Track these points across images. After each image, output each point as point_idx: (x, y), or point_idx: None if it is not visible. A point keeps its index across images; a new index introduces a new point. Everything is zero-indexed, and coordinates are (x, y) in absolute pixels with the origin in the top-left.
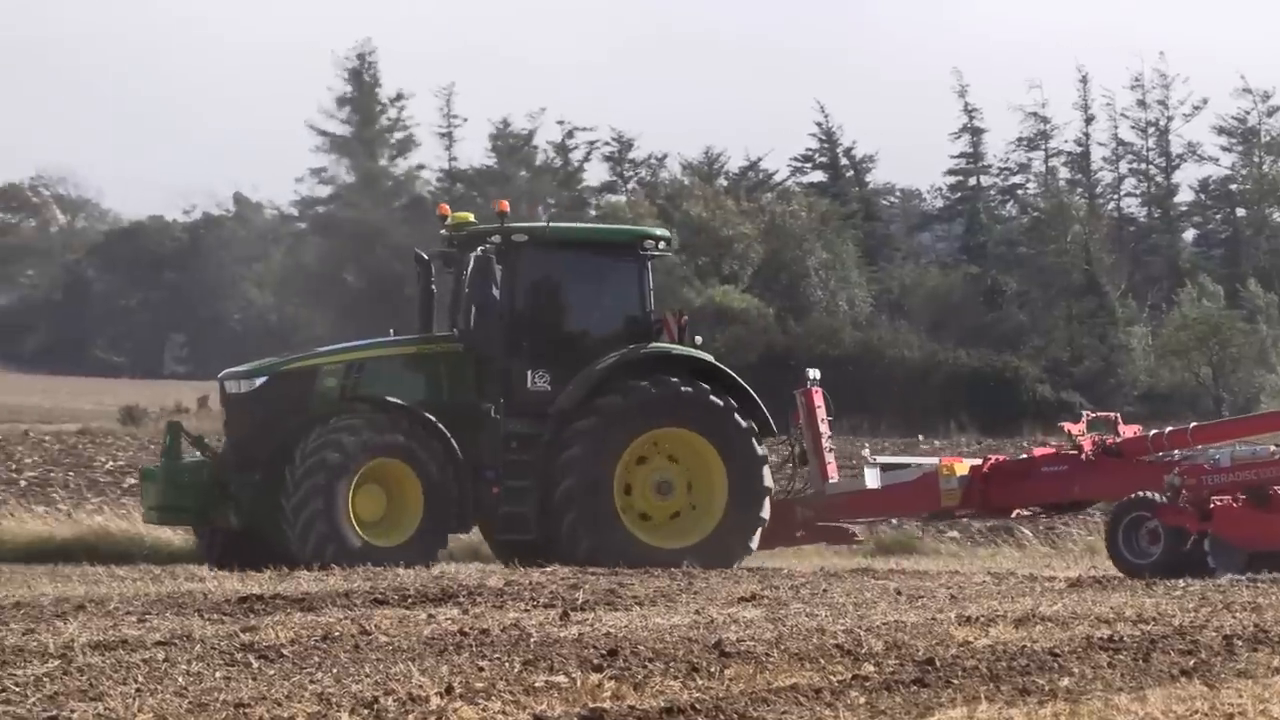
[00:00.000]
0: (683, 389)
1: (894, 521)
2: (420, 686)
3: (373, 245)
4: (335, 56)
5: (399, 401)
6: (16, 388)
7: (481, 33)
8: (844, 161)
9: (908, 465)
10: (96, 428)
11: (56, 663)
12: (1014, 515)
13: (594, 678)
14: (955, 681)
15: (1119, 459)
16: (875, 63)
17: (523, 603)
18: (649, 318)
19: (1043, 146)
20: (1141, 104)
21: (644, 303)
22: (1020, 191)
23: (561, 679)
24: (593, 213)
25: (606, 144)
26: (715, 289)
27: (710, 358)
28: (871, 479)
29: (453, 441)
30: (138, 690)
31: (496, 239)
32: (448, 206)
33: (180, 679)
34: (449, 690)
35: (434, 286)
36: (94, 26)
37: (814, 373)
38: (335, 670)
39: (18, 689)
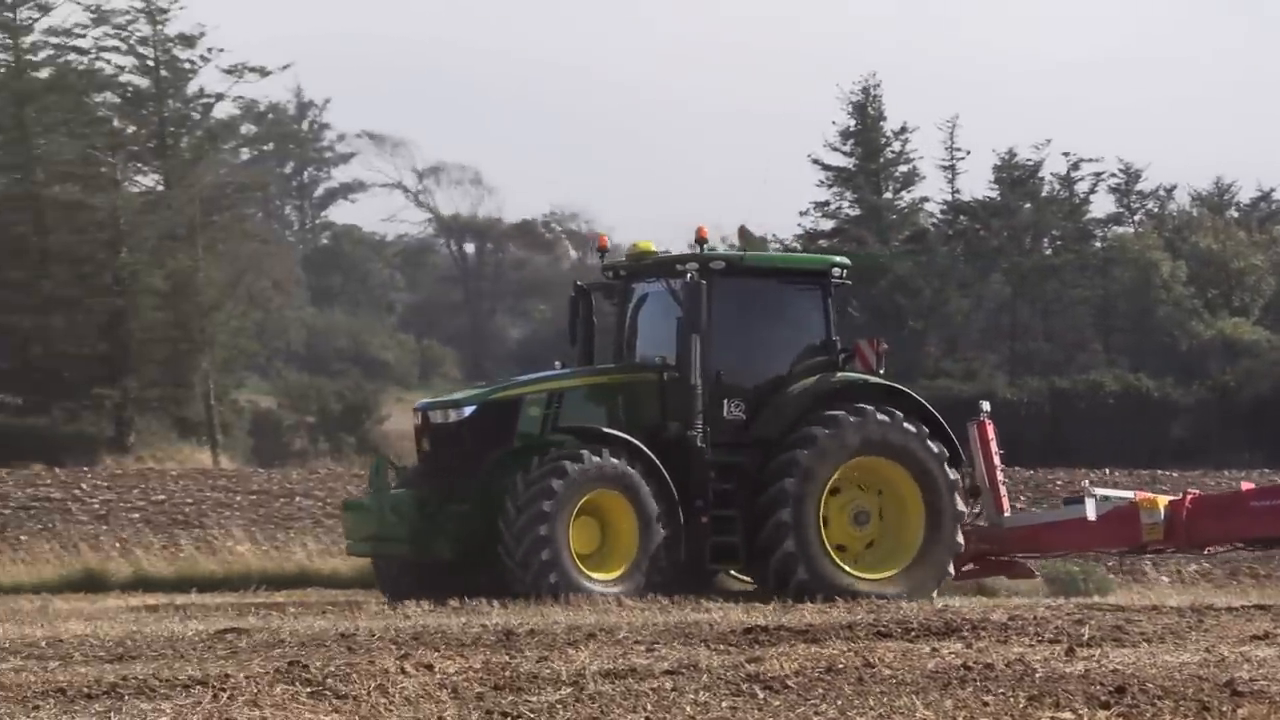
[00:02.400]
0: (879, 417)
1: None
2: None
3: (875, 278)
4: (840, 90)
5: (617, 432)
6: None
7: (986, 65)
8: None
9: (1103, 499)
10: None
11: (569, 690)
12: (1208, 551)
13: (1101, 715)
14: None
15: None
16: None
17: (1027, 638)
18: (835, 345)
19: None
20: None
21: (829, 330)
22: None
23: (1068, 715)
24: (1098, 245)
25: (1113, 175)
26: (1224, 321)
27: (900, 386)
28: (1091, 510)
29: (665, 473)
30: (646, 719)
31: (695, 266)
32: (606, 238)
33: (688, 708)
34: None
35: (595, 318)
36: (605, 72)
37: (985, 404)
38: (839, 703)
39: (533, 715)
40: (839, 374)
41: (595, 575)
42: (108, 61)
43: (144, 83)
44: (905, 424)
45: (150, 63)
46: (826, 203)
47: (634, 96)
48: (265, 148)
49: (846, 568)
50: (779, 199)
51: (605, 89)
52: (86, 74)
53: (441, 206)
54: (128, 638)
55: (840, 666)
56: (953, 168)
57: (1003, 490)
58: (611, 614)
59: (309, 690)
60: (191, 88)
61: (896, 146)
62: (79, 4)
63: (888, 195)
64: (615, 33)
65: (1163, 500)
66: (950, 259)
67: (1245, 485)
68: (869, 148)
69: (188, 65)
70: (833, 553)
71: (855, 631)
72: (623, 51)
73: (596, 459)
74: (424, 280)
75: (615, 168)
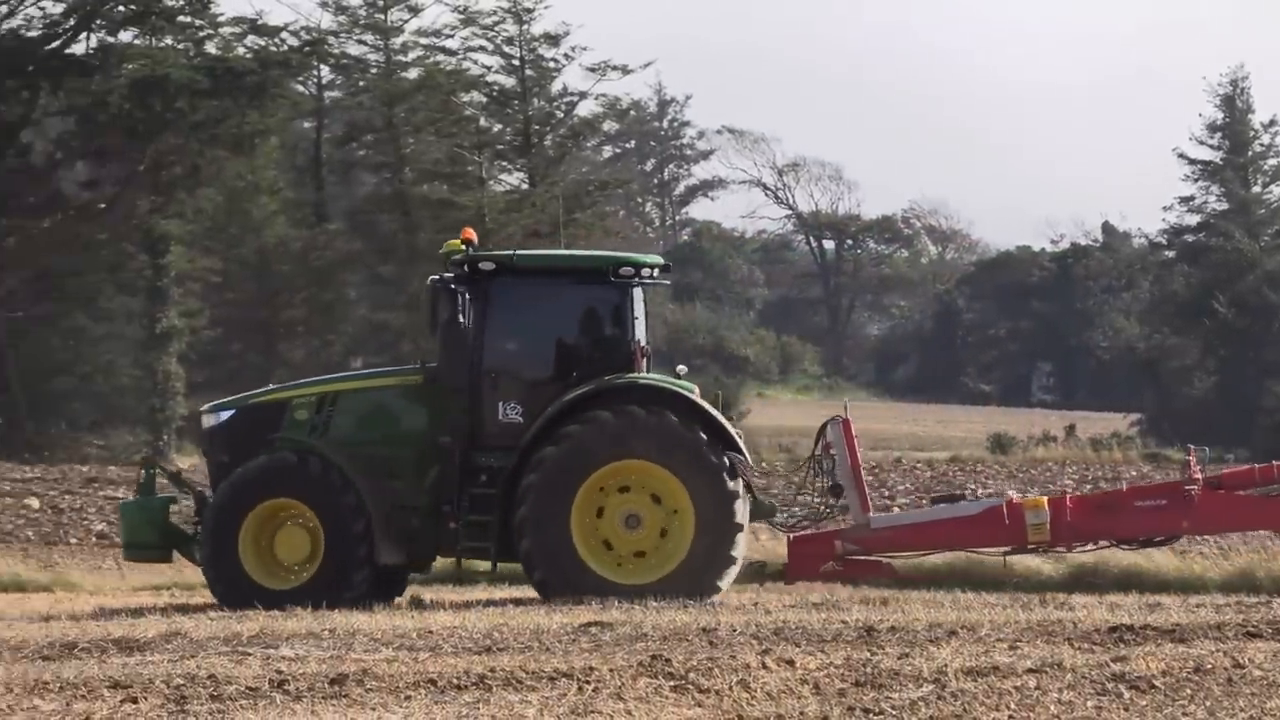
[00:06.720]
0: (646, 418)
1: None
2: None
3: (1243, 274)
4: (1207, 83)
5: (310, 442)
6: (889, 416)
7: None
8: None
9: (963, 498)
10: (966, 455)
11: (930, 687)
12: (1080, 547)
13: None
14: None
15: (1219, 492)
16: None
17: None
18: (629, 347)
19: None
20: None
21: (625, 332)
22: None
23: None
24: None
25: None
26: None
27: (687, 388)
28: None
29: (354, 481)
30: (1010, 717)
31: (459, 267)
32: (472, 231)
33: (1052, 707)
34: None
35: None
36: (964, 65)
37: (846, 402)
38: (1208, 704)
39: (894, 712)
40: (629, 376)
41: (282, 585)
42: (474, 61)
43: (509, 82)
44: (680, 427)
45: (516, 62)
46: (1191, 197)
47: (993, 90)
48: (627, 145)
49: (596, 568)
50: (1141, 193)
51: (965, 83)
52: (454, 74)
53: (801, 203)
54: (494, 630)
55: (1209, 667)
56: None
57: (866, 490)
58: (973, 611)
59: (671, 684)
60: (555, 86)
61: (1265, 139)
62: (447, 5)
63: (1256, 189)
64: (972, 27)
65: (1044, 500)
66: None
67: (1126, 486)
68: (1237, 141)
69: (552, 64)
70: (584, 550)
71: (1224, 631)
72: (983, 48)
73: (268, 472)
74: (783, 276)
75: (975, 163)
